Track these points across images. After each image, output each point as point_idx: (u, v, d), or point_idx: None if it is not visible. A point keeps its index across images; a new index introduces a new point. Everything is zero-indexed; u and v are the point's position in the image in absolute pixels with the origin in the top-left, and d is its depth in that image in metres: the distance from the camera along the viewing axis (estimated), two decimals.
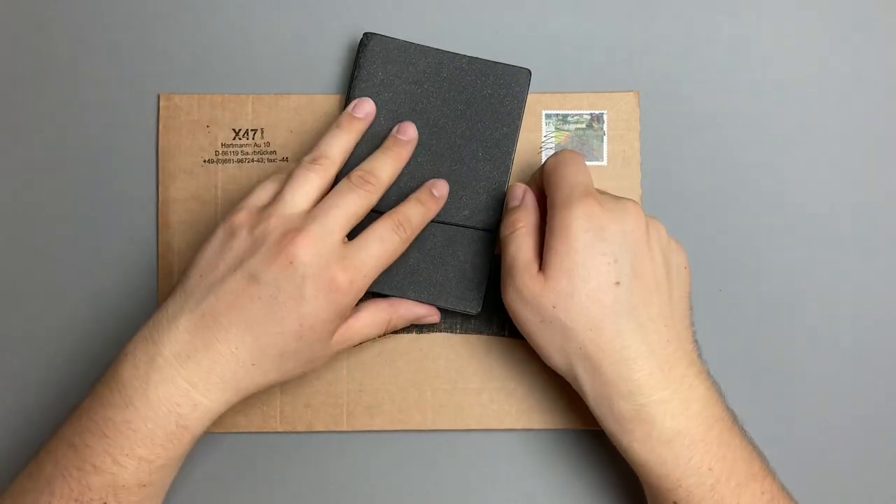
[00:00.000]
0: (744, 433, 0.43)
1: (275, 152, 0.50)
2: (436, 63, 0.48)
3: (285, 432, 0.50)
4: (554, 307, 0.41)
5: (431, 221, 0.47)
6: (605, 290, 0.41)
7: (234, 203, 0.50)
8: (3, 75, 0.52)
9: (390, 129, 0.47)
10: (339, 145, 0.45)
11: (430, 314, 0.48)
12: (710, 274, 0.51)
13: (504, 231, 0.45)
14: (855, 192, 0.51)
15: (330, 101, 0.51)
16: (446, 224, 0.47)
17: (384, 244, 0.43)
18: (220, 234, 0.43)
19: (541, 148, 0.50)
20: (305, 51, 0.52)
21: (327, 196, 0.43)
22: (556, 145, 0.50)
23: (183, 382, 0.41)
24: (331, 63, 0.52)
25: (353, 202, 0.43)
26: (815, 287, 0.51)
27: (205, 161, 0.51)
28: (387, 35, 0.49)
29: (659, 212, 0.50)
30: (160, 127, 0.51)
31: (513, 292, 0.43)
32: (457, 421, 0.50)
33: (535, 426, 0.49)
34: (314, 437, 0.50)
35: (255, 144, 0.51)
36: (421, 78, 0.48)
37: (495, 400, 0.50)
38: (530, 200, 0.45)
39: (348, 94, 0.49)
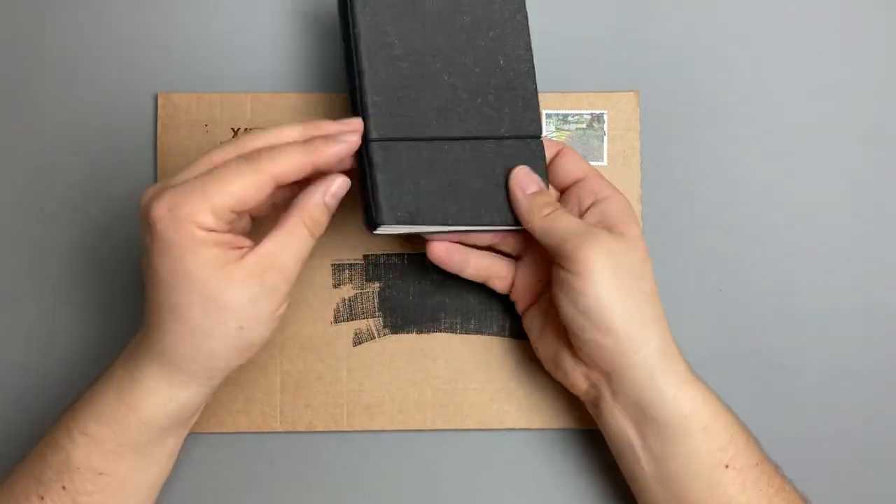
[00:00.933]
0: None
1: None
2: None
3: (285, 432, 0.49)
4: (643, 262, 0.43)
5: (479, 139, 0.45)
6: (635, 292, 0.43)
7: None
8: (2, 75, 0.51)
9: (409, 51, 0.44)
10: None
11: (338, 183, 0.41)
12: (710, 274, 0.51)
13: (538, 214, 0.43)
14: (855, 192, 0.52)
15: (329, 99, 0.50)
16: (494, 139, 0.45)
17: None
18: None
19: None
20: (304, 49, 0.52)
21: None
22: None
23: (132, 364, 0.41)
24: (330, 61, 0.51)
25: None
26: (816, 287, 0.51)
27: None
28: None
29: (659, 212, 0.51)
30: (158, 126, 0.50)
31: (597, 247, 0.41)
32: (457, 421, 0.50)
33: (535, 426, 0.50)
34: (314, 437, 0.50)
35: None
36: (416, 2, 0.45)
37: (495, 400, 0.50)
38: (543, 185, 0.45)
39: (356, 55, 0.44)
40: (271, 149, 0.39)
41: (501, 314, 0.50)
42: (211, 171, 0.39)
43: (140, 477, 0.42)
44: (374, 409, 0.50)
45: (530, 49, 0.46)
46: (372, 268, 0.50)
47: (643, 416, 0.42)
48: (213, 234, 0.38)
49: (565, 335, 0.44)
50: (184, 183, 0.38)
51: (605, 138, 0.50)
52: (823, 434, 0.50)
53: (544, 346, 0.46)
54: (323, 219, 0.41)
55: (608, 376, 0.43)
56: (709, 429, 0.42)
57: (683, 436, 0.42)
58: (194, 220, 0.38)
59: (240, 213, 0.39)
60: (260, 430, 0.49)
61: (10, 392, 0.50)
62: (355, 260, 0.50)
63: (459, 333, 0.50)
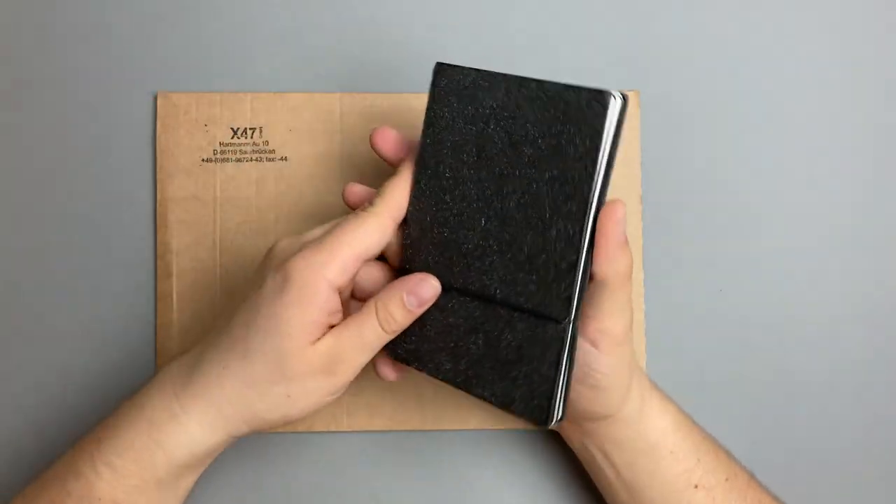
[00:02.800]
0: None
1: (273, 151, 0.50)
2: (503, 93, 0.38)
3: (285, 432, 0.49)
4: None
5: (493, 302, 0.39)
6: (630, 354, 0.41)
7: (232, 202, 0.50)
8: (2, 75, 0.51)
9: (456, 182, 0.39)
10: None
11: (421, 282, 0.40)
12: (710, 274, 0.51)
13: (615, 265, 0.38)
14: (856, 192, 0.52)
15: (329, 99, 0.50)
16: (508, 307, 0.38)
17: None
18: None
19: None
20: (304, 48, 0.52)
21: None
22: None
23: (171, 396, 0.40)
24: (329, 61, 0.51)
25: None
26: (816, 287, 0.51)
27: (203, 160, 0.50)
28: (455, 64, 0.39)
29: (659, 212, 0.51)
30: (158, 126, 0.50)
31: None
32: (457, 421, 0.50)
33: (534, 426, 0.49)
34: (314, 437, 0.50)
35: (254, 143, 0.50)
36: (487, 116, 0.38)
37: None
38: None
39: (422, 137, 0.41)
40: (381, 192, 0.41)
41: None
42: (338, 223, 0.40)
43: None
44: (374, 409, 0.50)
45: (587, 207, 0.36)
46: None
47: (617, 449, 0.43)
48: (332, 297, 0.39)
49: None
50: (318, 239, 0.39)
51: None
52: (823, 434, 0.50)
53: None
54: (400, 317, 0.40)
55: (587, 426, 0.43)
56: (676, 453, 0.42)
57: (651, 463, 0.42)
58: (324, 273, 0.38)
59: (366, 260, 0.40)
60: None
61: (6, 392, 0.50)
62: None
63: None
